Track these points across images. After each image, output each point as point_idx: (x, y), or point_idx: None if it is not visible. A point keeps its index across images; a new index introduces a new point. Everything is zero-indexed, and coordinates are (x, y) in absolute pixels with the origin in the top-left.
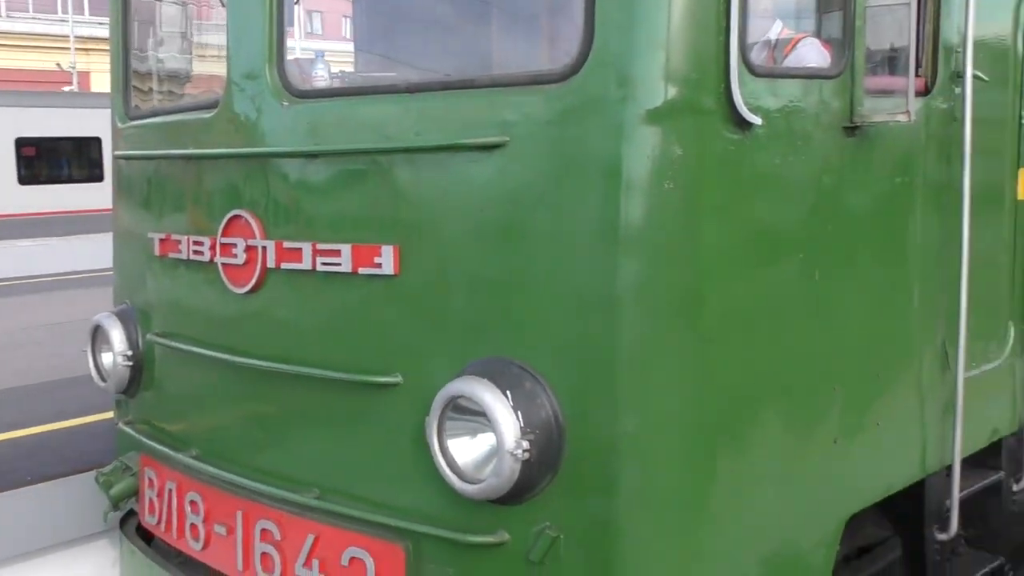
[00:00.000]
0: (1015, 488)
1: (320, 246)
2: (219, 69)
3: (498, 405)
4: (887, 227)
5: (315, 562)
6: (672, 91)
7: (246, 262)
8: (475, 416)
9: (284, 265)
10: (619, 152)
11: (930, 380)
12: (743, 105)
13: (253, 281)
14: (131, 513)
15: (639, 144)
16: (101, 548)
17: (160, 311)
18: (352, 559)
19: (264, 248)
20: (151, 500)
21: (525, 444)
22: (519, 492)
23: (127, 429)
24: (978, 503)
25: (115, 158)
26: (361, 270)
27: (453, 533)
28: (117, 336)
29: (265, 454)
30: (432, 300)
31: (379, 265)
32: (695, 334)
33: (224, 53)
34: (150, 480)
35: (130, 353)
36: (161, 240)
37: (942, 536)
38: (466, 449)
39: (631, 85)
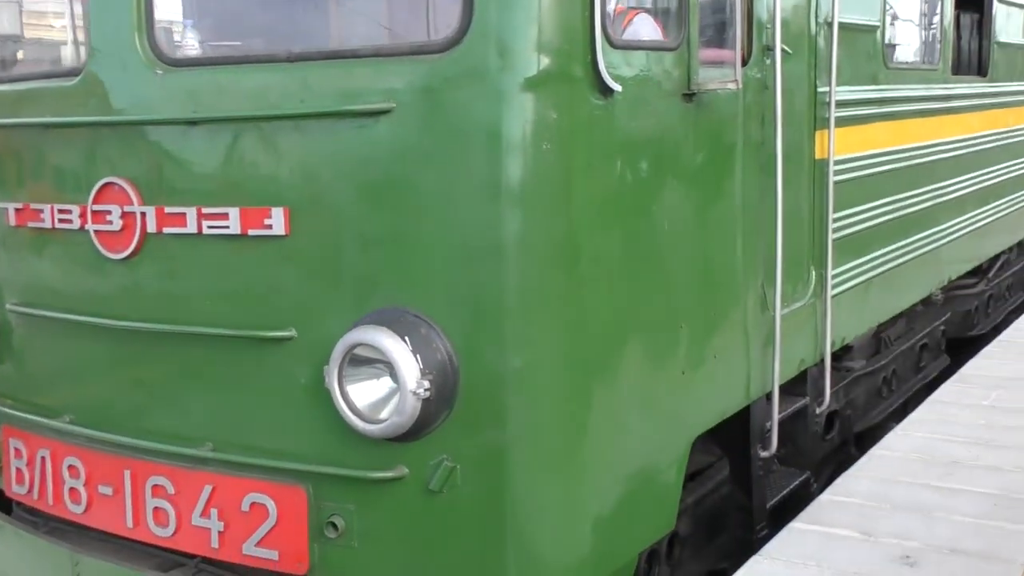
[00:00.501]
0: (817, 411)
1: (206, 210)
2: (61, 36)
3: (399, 349)
4: (717, 184)
5: (213, 511)
6: (546, 61)
7: (123, 228)
8: (373, 362)
9: (166, 230)
10: (500, 117)
11: (753, 318)
12: (607, 73)
13: (132, 247)
14: None
15: (518, 109)
16: None
17: (18, 281)
18: (253, 504)
19: (143, 214)
20: (18, 470)
21: (426, 384)
22: (418, 429)
23: None
24: (788, 426)
25: None
26: (251, 231)
27: (353, 471)
28: None
29: (151, 415)
30: (324, 257)
31: (269, 226)
32: (570, 279)
33: (73, 20)
34: (16, 450)
35: None
36: (17, 210)
37: (764, 454)
38: (366, 393)
39: (510, 56)
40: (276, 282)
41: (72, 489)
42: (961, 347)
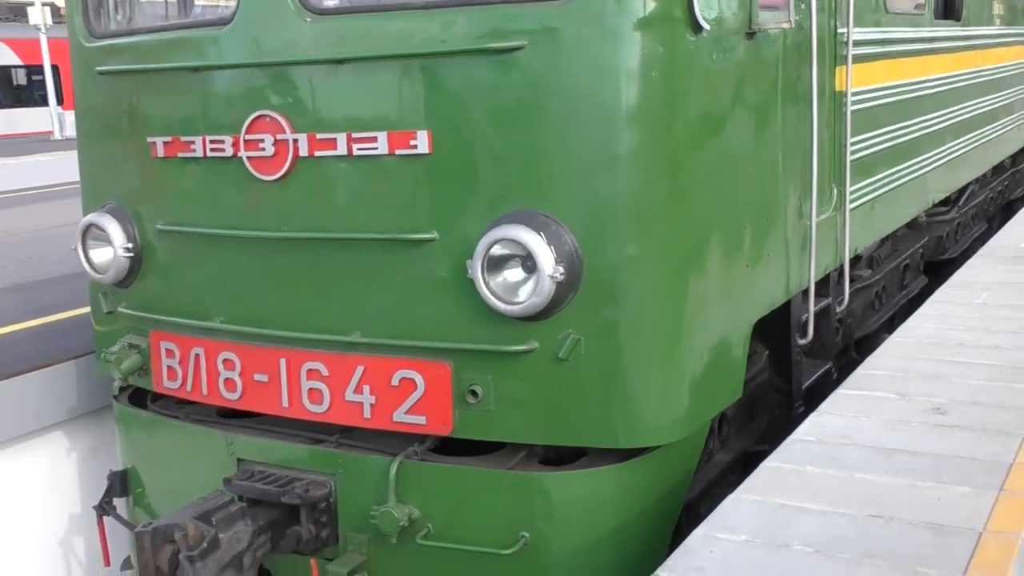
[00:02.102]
0: (837, 310)
1: (356, 135)
2: None
3: (536, 241)
4: (767, 110)
5: (365, 388)
6: (652, 5)
7: (275, 154)
8: (512, 255)
9: (317, 153)
10: (616, 51)
11: (792, 226)
12: (700, 14)
13: (284, 169)
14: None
15: (631, 45)
16: (56, 439)
17: (166, 205)
18: (402, 379)
19: (295, 140)
20: (170, 368)
21: (560, 269)
22: (550, 308)
23: (129, 312)
24: (815, 322)
25: (79, 76)
26: (397, 151)
27: (492, 346)
28: (116, 231)
29: (302, 312)
30: (463, 171)
31: (414, 147)
32: (672, 184)
33: None
34: (168, 351)
35: (130, 246)
36: (166, 143)
37: (802, 341)
38: (507, 280)
39: (624, 1)
40: (419, 193)
41: (227, 380)
42: (935, 269)
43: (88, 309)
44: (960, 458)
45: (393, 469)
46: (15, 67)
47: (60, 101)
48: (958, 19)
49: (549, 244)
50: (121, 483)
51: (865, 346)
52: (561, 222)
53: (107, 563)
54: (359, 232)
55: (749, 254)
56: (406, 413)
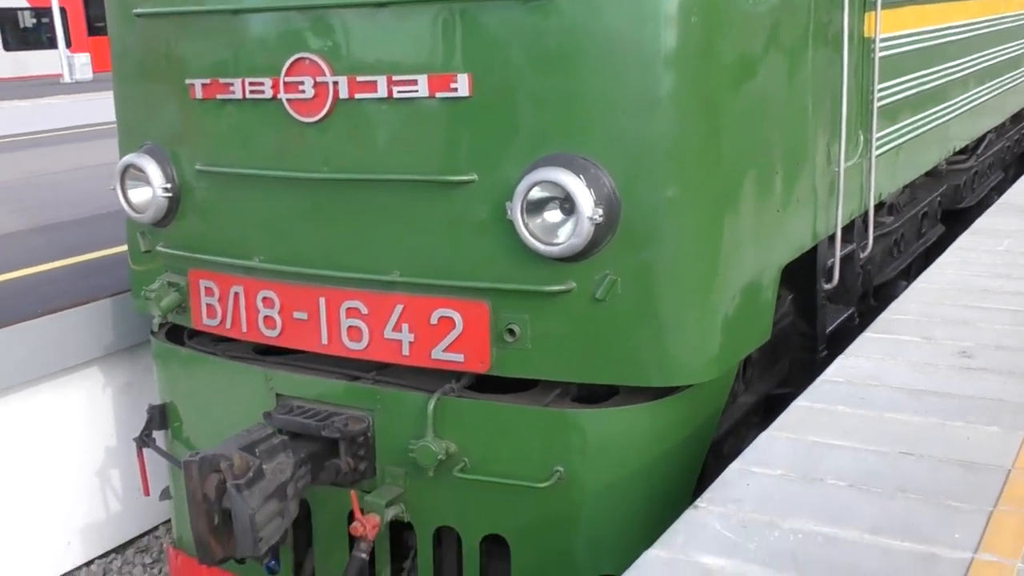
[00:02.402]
0: (861, 256)
1: (396, 77)
2: None
3: (576, 184)
4: (799, 55)
5: (404, 326)
6: None
7: (315, 96)
8: (551, 197)
9: (358, 95)
10: None
11: (821, 171)
12: None
13: (324, 111)
14: None
15: None
16: (92, 374)
17: (204, 146)
18: (441, 318)
19: (335, 83)
20: (209, 306)
21: (599, 211)
22: (589, 249)
23: (168, 251)
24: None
25: (115, 18)
26: (438, 94)
27: (531, 286)
28: (154, 171)
29: (342, 252)
30: (503, 114)
31: (455, 90)
32: (709, 127)
33: None
34: (207, 289)
35: (168, 186)
36: (204, 85)
37: (827, 286)
38: (547, 221)
39: None
40: (459, 135)
41: (267, 317)
42: (952, 218)
43: (116, 249)
44: (987, 399)
45: (431, 405)
46: (22, 9)
47: (68, 44)
48: None
49: (588, 186)
50: (160, 416)
51: (883, 293)
52: (600, 165)
53: (146, 493)
54: (399, 173)
55: (780, 198)
56: (444, 351)
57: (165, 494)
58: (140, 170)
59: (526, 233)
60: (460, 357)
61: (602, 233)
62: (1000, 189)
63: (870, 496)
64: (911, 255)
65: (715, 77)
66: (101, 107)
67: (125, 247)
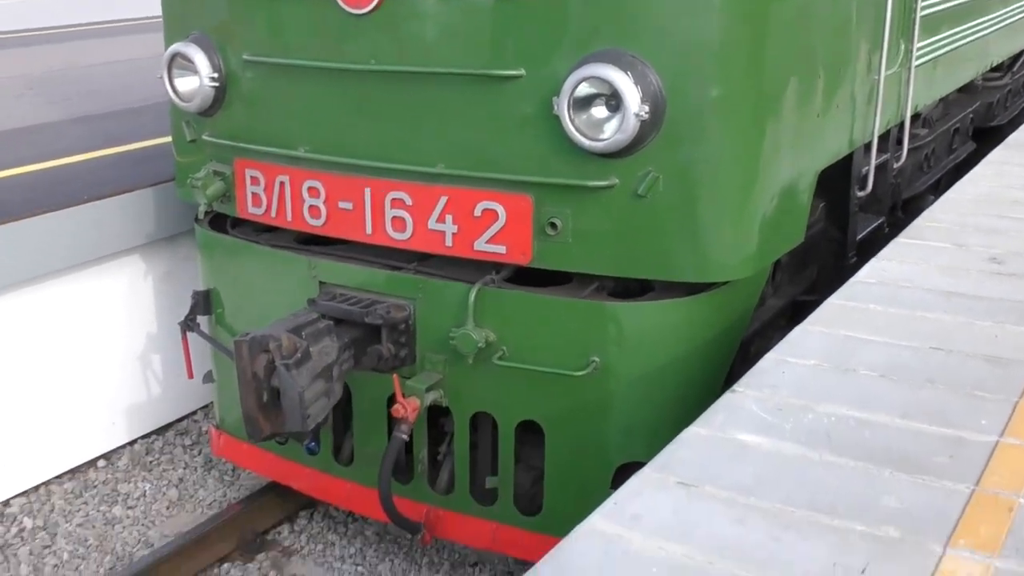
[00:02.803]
0: (895, 166)
1: None
2: None
3: (623, 80)
4: None
5: (448, 217)
6: None
7: None
8: (598, 93)
9: None
10: None
11: (861, 79)
12: None
13: (374, 3)
14: None
15: None
16: (134, 262)
17: (252, 37)
18: (484, 210)
19: None
20: (255, 195)
21: (645, 108)
22: (632, 146)
23: (214, 140)
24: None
25: None
26: None
27: (574, 181)
28: (201, 60)
29: (388, 144)
30: (552, 11)
31: None
32: (756, 29)
33: None
34: (253, 178)
35: (215, 75)
36: None
37: (860, 193)
38: (593, 117)
39: None
40: (509, 31)
41: (312, 207)
42: (982, 136)
43: (157, 140)
44: (1016, 301)
45: (472, 294)
46: None
47: None
48: None
49: (635, 83)
50: (204, 302)
51: (911, 207)
52: (647, 62)
53: (190, 376)
54: (446, 67)
55: (820, 104)
56: (487, 242)
57: (208, 377)
58: (187, 59)
59: (572, 128)
60: (502, 249)
61: (647, 130)
62: None
63: (900, 386)
64: (941, 170)
65: None
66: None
67: (162, 139)
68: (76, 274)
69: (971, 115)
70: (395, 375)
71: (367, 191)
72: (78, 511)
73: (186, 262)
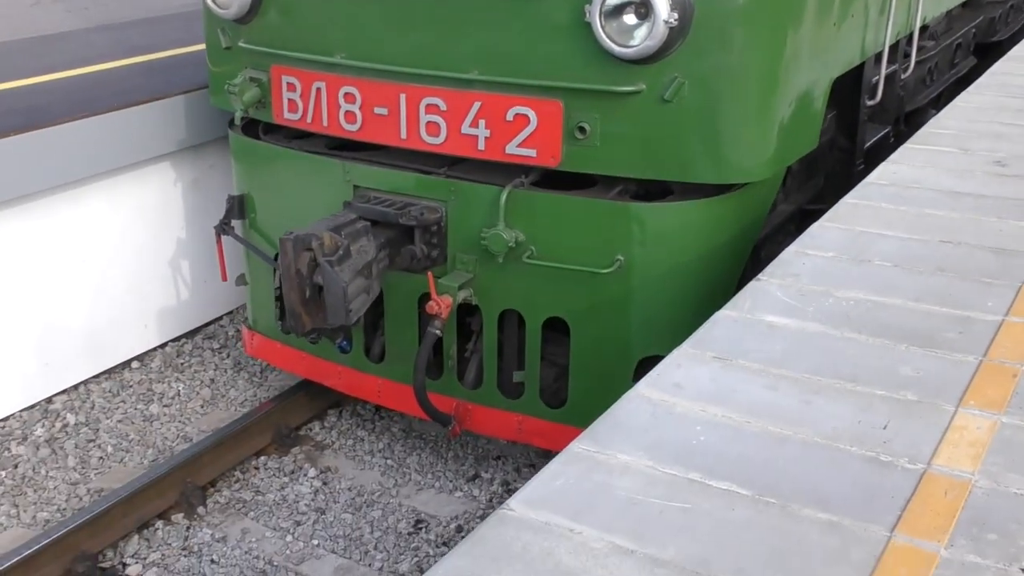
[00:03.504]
0: (902, 77)
1: None
2: None
3: None
4: None
5: (481, 122)
6: None
7: None
8: (628, 1)
9: None
10: None
11: None
12: None
13: None
14: None
15: None
16: (164, 169)
17: None
18: (516, 115)
19: None
20: (291, 101)
21: (675, 15)
22: (661, 52)
23: (251, 47)
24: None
25: None
26: None
27: (603, 86)
28: None
29: (422, 52)
30: None
31: None
32: None
33: None
34: (289, 84)
35: None
36: None
37: (871, 102)
38: (624, 23)
39: None
40: None
41: (348, 112)
42: (983, 51)
43: (180, 50)
44: (1019, 200)
45: (504, 196)
46: None
47: None
48: None
49: None
50: (239, 206)
51: (913, 120)
52: None
53: (224, 278)
54: None
55: (837, 13)
56: (518, 146)
57: (241, 280)
58: None
59: (603, 35)
60: (533, 152)
61: (675, 37)
62: None
63: (913, 274)
64: (943, 83)
65: None
66: None
67: (185, 49)
68: (109, 180)
69: (973, 30)
70: (429, 273)
71: (402, 97)
72: (117, 408)
73: (213, 170)
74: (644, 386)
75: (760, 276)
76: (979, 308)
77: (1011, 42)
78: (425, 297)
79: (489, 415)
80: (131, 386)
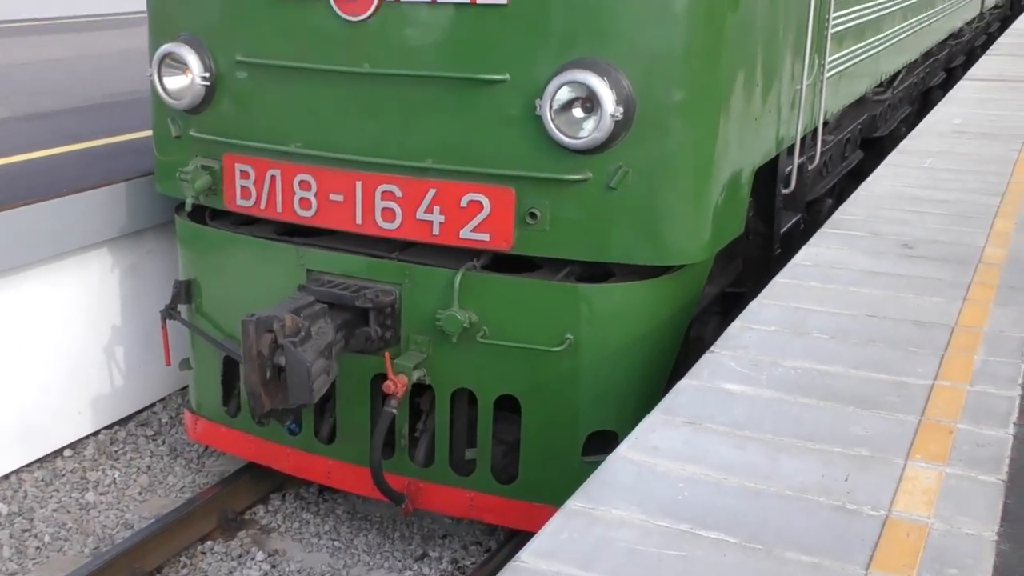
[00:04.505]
0: (809, 168)
1: None
2: None
3: (601, 84)
4: None
5: (436, 208)
6: None
7: None
8: (577, 98)
9: None
10: None
11: (786, 88)
12: None
13: (370, 11)
14: None
15: None
16: (102, 255)
17: (245, 38)
18: (470, 202)
19: None
20: (244, 188)
21: (620, 109)
22: (607, 143)
23: (202, 136)
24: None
25: None
26: (478, 1)
27: (553, 175)
28: (194, 60)
29: (379, 141)
30: (536, 21)
31: None
32: (715, 39)
33: None
34: (243, 172)
35: (207, 75)
36: None
37: (785, 190)
38: (572, 117)
39: None
40: (495, 39)
41: (303, 199)
42: (867, 145)
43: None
44: (929, 278)
45: (458, 279)
46: None
47: None
48: None
49: (611, 87)
50: (186, 291)
51: (813, 208)
52: (620, 69)
53: (168, 363)
54: (437, 71)
55: (758, 108)
56: (472, 231)
57: (185, 364)
58: (179, 59)
59: (553, 127)
60: (486, 236)
61: (619, 129)
62: (907, 122)
63: (848, 345)
64: (837, 175)
65: None
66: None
67: (122, 136)
68: (47, 266)
69: (859, 126)
70: (387, 354)
71: (358, 184)
72: (51, 498)
73: (151, 256)
74: (625, 449)
75: (713, 349)
76: (911, 374)
77: (891, 138)
78: (377, 377)
79: (441, 492)
80: (64, 474)
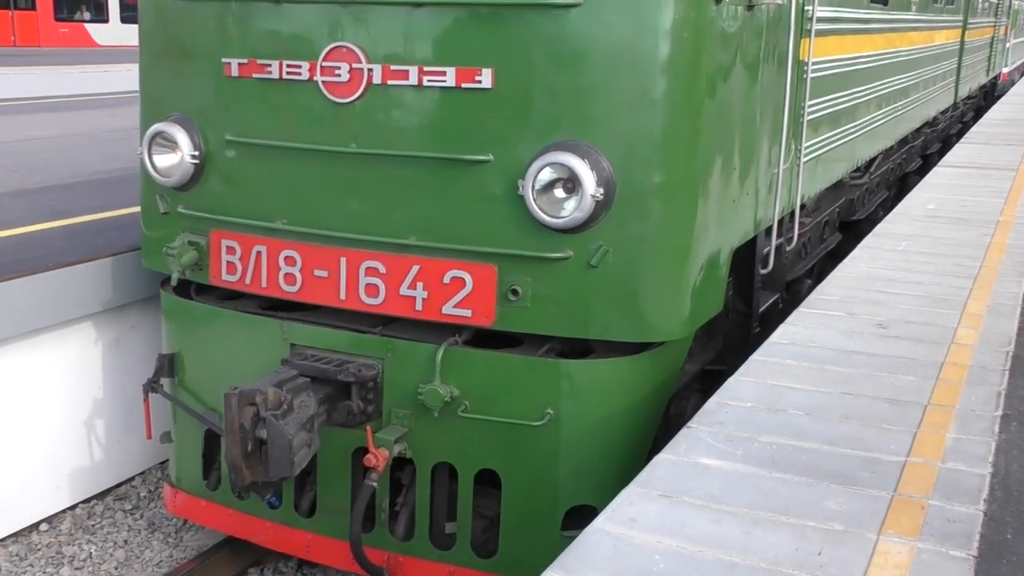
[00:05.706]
0: (787, 249)
1: (427, 68)
2: None
3: (581, 166)
4: (754, 72)
5: (419, 284)
6: None
7: (350, 80)
8: (558, 179)
9: (390, 82)
10: (659, 13)
11: (763, 171)
12: None
13: (358, 93)
14: None
15: (670, 8)
16: (86, 329)
17: (235, 118)
18: (453, 278)
19: (370, 69)
20: (230, 263)
21: (600, 190)
22: (587, 223)
23: (190, 212)
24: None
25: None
26: (463, 85)
27: (534, 253)
28: (184, 139)
29: (364, 218)
30: (519, 104)
31: (479, 82)
32: (693, 123)
33: None
34: (229, 248)
35: (196, 153)
36: (241, 64)
37: (764, 271)
38: (553, 198)
39: None
40: (479, 121)
41: (287, 274)
42: (845, 228)
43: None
44: (903, 358)
45: (440, 354)
46: None
47: None
48: (885, 3)
49: (591, 169)
50: (169, 365)
51: (792, 289)
52: (600, 151)
53: (149, 436)
54: (422, 151)
55: (736, 190)
56: (454, 307)
57: (166, 438)
58: (169, 138)
59: (535, 207)
60: (468, 312)
61: (600, 209)
62: (884, 205)
63: (823, 421)
64: (815, 257)
65: (698, 83)
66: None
67: (108, 213)
68: (29, 340)
69: (837, 210)
70: (368, 428)
71: (343, 260)
72: (24, 572)
73: (134, 330)
74: (602, 521)
75: (690, 424)
76: (884, 451)
77: (867, 221)
78: (359, 451)
79: (420, 567)
80: (39, 549)
